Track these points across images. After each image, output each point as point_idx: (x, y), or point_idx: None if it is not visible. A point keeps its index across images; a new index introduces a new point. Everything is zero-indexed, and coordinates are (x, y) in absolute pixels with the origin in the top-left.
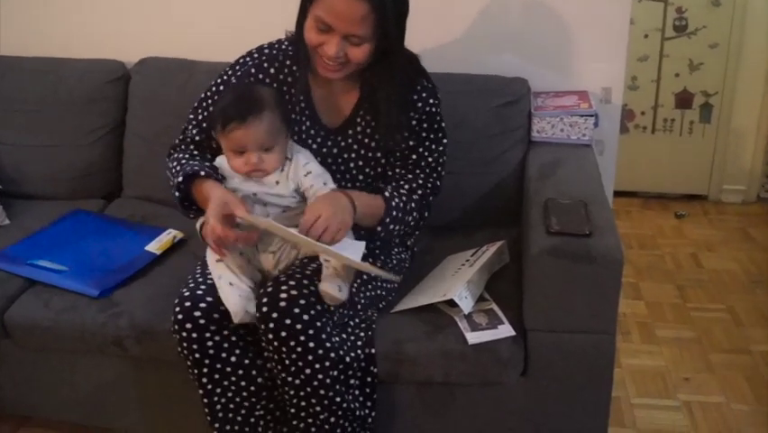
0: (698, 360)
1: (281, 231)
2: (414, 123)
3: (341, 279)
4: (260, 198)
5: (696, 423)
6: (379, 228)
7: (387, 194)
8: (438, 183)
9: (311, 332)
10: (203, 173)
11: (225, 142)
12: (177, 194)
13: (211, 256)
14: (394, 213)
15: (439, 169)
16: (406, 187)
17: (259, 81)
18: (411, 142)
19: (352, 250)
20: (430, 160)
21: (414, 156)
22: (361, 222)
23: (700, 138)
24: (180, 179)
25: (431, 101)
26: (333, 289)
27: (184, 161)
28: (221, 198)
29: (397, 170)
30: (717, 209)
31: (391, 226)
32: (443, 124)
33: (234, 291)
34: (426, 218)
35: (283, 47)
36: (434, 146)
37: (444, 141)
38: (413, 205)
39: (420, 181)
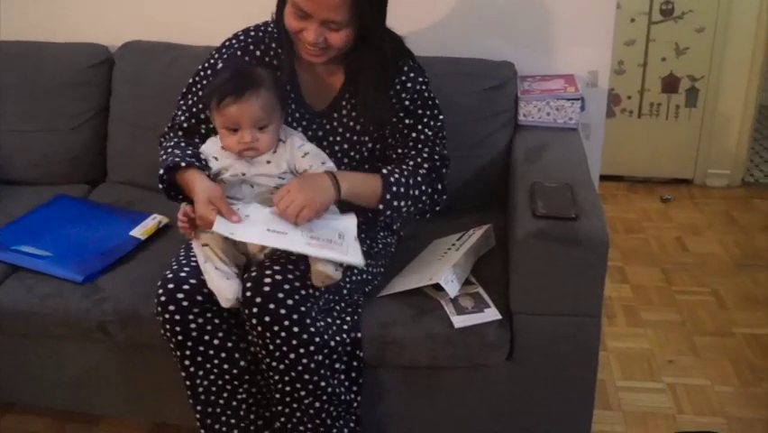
0: (682, 342)
1: (266, 241)
2: (407, 103)
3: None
4: (248, 179)
5: (680, 405)
6: (380, 206)
7: (384, 171)
8: (444, 153)
9: (295, 317)
10: (183, 164)
11: (220, 118)
12: (161, 186)
13: (197, 241)
14: (394, 188)
15: (440, 140)
16: (411, 163)
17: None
18: (407, 121)
19: (344, 223)
20: (429, 133)
21: (413, 133)
22: (358, 201)
23: (686, 122)
24: (161, 171)
25: (420, 79)
26: (328, 268)
27: (170, 150)
28: (205, 192)
29: (400, 150)
30: (703, 193)
31: (395, 203)
32: (437, 101)
33: (221, 276)
34: (442, 191)
35: (269, 29)
36: (431, 121)
37: (441, 116)
38: (418, 179)
39: (425, 155)
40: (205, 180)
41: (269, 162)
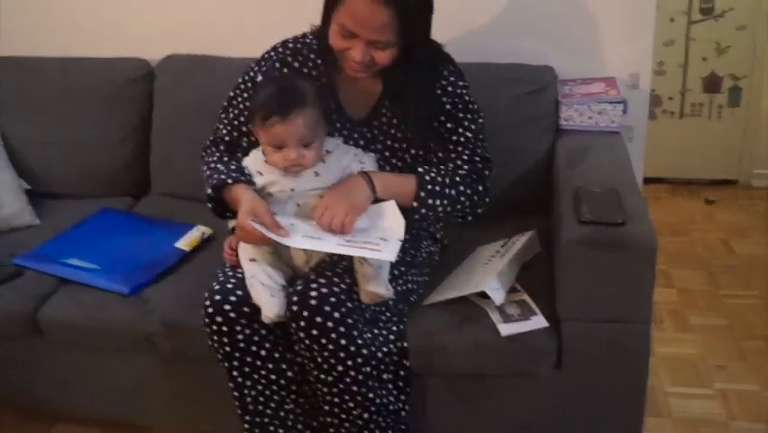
0: (731, 347)
1: (303, 245)
2: (448, 107)
3: (384, 277)
4: (296, 195)
5: (731, 411)
6: (415, 204)
7: (420, 170)
8: (486, 155)
9: (342, 329)
10: (230, 181)
11: (265, 136)
12: (209, 205)
13: (244, 254)
14: (429, 186)
15: (481, 141)
16: (450, 165)
17: None
18: (448, 124)
19: (391, 226)
20: (469, 135)
21: (453, 136)
22: (395, 197)
23: (729, 122)
24: (210, 191)
25: (460, 83)
26: (379, 288)
27: (213, 166)
28: (250, 204)
29: (441, 154)
30: (748, 194)
31: (430, 201)
32: (477, 105)
33: (266, 291)
34: (484, 193)
35: (307, 41)
36: (471, 125)
37: (480, 119)
38: (457, 179)
39: (465, 157)
40: (252, 194)
41: (317, 175)
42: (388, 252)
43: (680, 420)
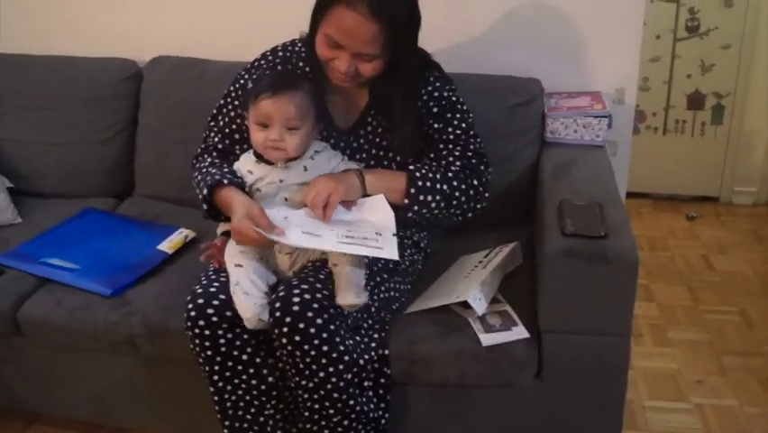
0: (710, 362)
1: (301, 242)
2: (435, 109)
3: (354, 284)
4: (285, 187)
5: (708, 426)
6: (406, 201)
7: (411, 167)
8: (480, 150)
9: (325, 336)
10: (225, 181)
11: (253, 113)
12: (204, 207)
13: (230, 260)
14: (420, 183)
15: (473, 137)
16: (443, 162)
17: None
18: (436, 125)
19: (382, 220)
20: (459, 132)
21: (443, 135)
22: (386, 192)
23: (712, 139)
24: (205, 192)
25: (446, 87)
26: (350, 297)
27: (205, 170)
28: (245, 207)
29: (432, 155)
30: (729, 211)
31: (422, 197)
32: (465, 105)
33: (250, 300)
34: (480, 188)
35: (296, 48)
36: (461, 123)
37: (470, 118)
38: (449, 175)
39: (456, 153)
40: (243, 196)
41: (306, 170)
42: (389, 249)
43: None
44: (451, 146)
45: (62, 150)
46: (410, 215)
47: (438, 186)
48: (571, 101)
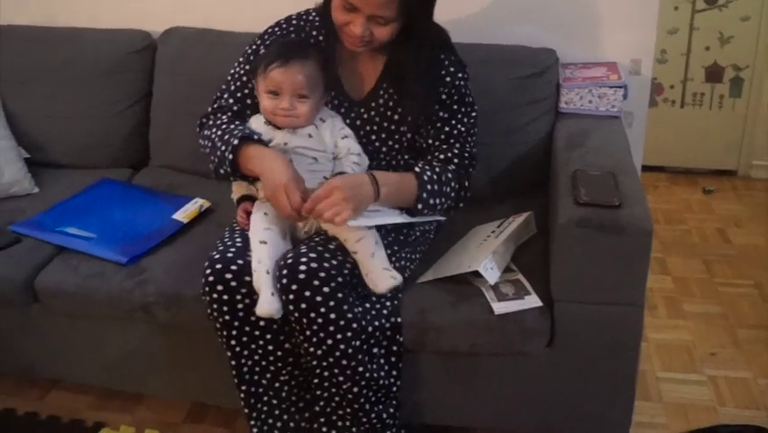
0: (724, 335)
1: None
2: (444, 96)
3: (383, 267)
4: (289, 150)
5: (722, 397)
6: (419, 205)
7: (417, 169)
8: (474, 151)
9: (332, 303)
10: (255, 137)
11: (263, 83)
12: (230, 156)
13: (255, 236)
14: (429, 186)
15: (471, 137)
16: (441, 157)
17: None
18: (441, 114)
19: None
20: (462, 129)
21: (446, 128)
22: (396, 202)
23: (730, 112)
24: (236, 142)
25: (459, 75)
26: (385, 282)
27: (225, 127)
28: (292, 170)
29: (431, 141)
30: (746, 185)
31: (431, 201)
32: (473, 99)
33: (268, 286)
34: (467, 188)
35: (310, 18)
36: (465, 118)
37: (474, 113)
38: (449, 175)
39: (455, 151)
40: (278, 159)
41: (310, 136)
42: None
43: (670, 405)
44: (452, 140)
45: (77, 122)
46: (415, 214)
47: (443, 188)
48: (586, 71)
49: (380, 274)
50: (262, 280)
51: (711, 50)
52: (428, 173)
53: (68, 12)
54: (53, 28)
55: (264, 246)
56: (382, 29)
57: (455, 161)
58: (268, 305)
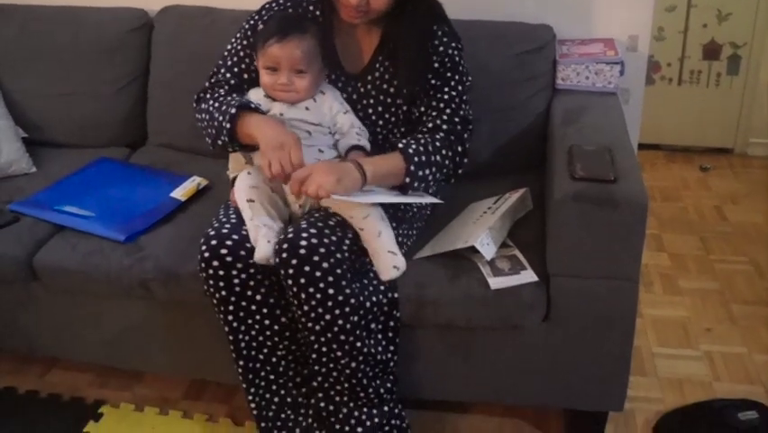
0: (720, 311)
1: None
2: (436, 65)
3: (388, 250)
4: (285, 121)
5: (717, 373)
6: (407, 180)
7: (401, 145)
8: (468, 116)
9: (330, 279)
10: (253, 105)
11: (262, 58)
12: (227, 125)
13: (242, 197)
14: (416, 159)
15: (464, 103)
16: (430, 125)
17: None
18: (433, 81)
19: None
20: (454, 94)
21: (438, 94)
22: (386, 181)
23: (728, 90)
24: (233, 111)
25: (452, 44)
26: (389, 272)
27: (222, 99)
28: (294, 135)
29: (423, 109)
30: (743, 163)
31: (420, 172)
32: (466, 68)
33: (264, 234)
34: (463, 154)
35: None
36: (458, 86)
37: (467, 82)
38: (437, 144)
39: (444, 117)
40: (278, 124)
41: (307, 109)
42: (427, 198)
43: (665, 380)
44: (442, 105)
45: (74, 101)
46: (409, 192)
47: (432, 157)
48: (583, 48)
49: (384, 259)
50: (257, 232)
51: (709, 28)
52: (413, 146)
53: None
54: (50, 7)
55: (252, 204)
56: None
57: (444, 127)
58: (264, 251)
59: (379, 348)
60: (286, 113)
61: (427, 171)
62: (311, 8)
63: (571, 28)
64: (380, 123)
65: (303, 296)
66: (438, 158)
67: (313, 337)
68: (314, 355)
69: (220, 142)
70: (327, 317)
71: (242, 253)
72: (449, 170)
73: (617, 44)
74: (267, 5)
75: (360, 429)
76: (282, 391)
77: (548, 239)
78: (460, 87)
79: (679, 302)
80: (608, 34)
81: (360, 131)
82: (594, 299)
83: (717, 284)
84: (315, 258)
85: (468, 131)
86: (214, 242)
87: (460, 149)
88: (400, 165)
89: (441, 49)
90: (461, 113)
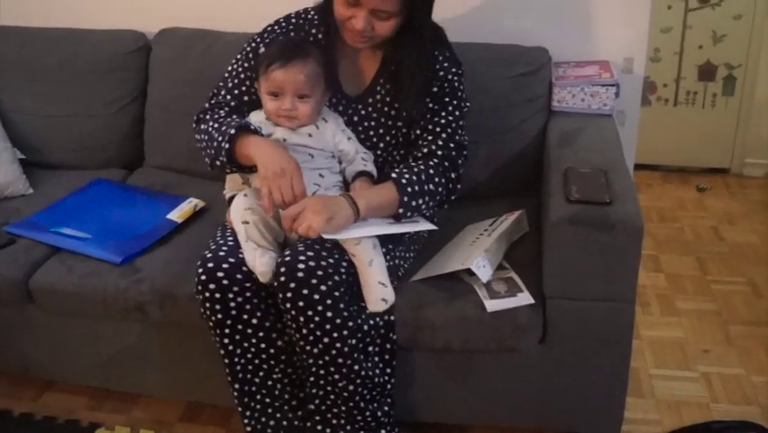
0: (717, 332)
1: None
2: (435, 89)
3: (378, 281)
4: (288, 145)
5: (715, 394)
6: (400, 210)
7: (394, 175)
8: (463, 141)
9: (329, 302)
10: (253, 127)
11: (265, 83)
12: (226, 146)
13: (238, 218)
14: (409, 189)
15: (460, 129)
16: (425, 150)
17: None
18: (431, 105)
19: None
20: (450, 119)
21: (435, 118)
22: (379, 213)
23: (723, 111)
24: (232, 132)
25: (453, 70)
26: (378, 305)
27: (222, 120)
28: (294, 161)
29: (418, 132)
30: (740, 183)
31: (413, 202)
32: (465, 95)
33: (263, 255)
34: (456, 180)
35: (309, 16)
36: (455, 111)
37: (465, 108)
38: (430, 172)
39: (440, 142)
40: (279, 147)
41: (310, 136)
42: (422, 225)
43: (662, 402)
44: (438, 129)
45: (72, 122)
46: (403, 221)
47: (425, 187)
48: (579, 70)
49: (374, 290)
50: (254, 254)
51: (704, 49)
52: (406, 176)
53: (63, 13)
54: (48, 29)
55: (248, 225)
56: (384, 24)
57: (438, 153)
58: (268, 269)
59: (377, 371)
60: (289, 138)
61: (421, 201)
62: (313, 31)
63: (567, 50)
64: (381, 145)
65: (301, 319)
66: (431, 186)
67: (311, 360)
68: (311, 378)
69: (218, 163)
70: (325, 339)
71: (239, 276)
72: (442, 197)
73: (612, 66)
74: (269, 28)
75: None
76: (278, 415)
77: (544, 261)
78: (457, 113)
79: (676, 323)
80: (603, 56)
81: (365, 155)
82: (591, 320)
83: (714, 305)
84: (314, 281)
85: (462, 157)
86: (210, 264)
87: (453, 175)
88: (393, 196)
89: (441, 73)
90: (457, 138)
